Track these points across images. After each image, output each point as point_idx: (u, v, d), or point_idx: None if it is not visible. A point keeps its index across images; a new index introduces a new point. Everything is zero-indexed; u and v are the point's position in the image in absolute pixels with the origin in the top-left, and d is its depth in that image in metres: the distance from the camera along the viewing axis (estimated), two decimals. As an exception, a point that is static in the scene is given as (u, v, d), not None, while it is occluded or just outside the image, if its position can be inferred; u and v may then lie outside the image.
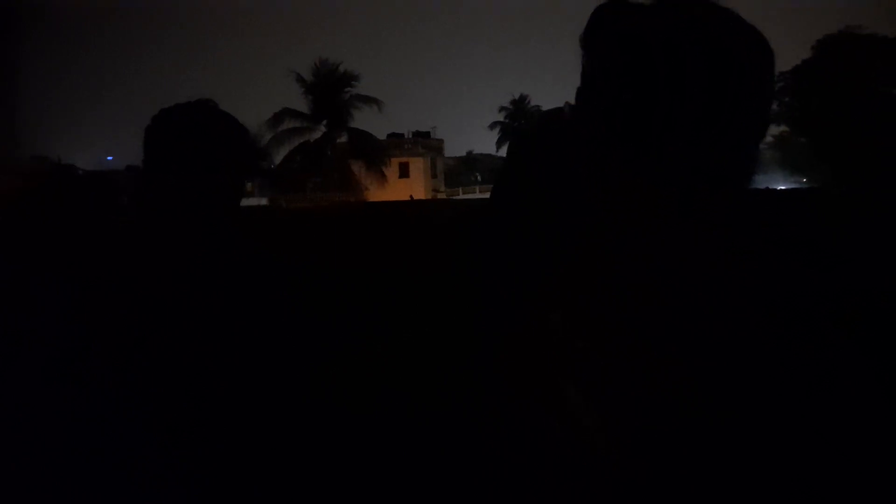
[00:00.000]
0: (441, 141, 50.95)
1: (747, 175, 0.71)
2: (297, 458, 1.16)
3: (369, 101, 37.52)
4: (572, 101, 0.76)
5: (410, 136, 46.94)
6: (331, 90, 36.58)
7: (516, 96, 53.28)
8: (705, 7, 0.69)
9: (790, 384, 0.57)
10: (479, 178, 62.43)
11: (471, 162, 67.13)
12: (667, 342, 0.59)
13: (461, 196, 41.86)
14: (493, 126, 55.18)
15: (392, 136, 45.23)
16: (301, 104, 36.95)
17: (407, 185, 40.56)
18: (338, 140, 37.08)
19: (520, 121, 50.31)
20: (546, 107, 1.36)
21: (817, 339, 0.60)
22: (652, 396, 0.57)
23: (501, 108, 55.22)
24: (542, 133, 0.87)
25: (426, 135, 48.52)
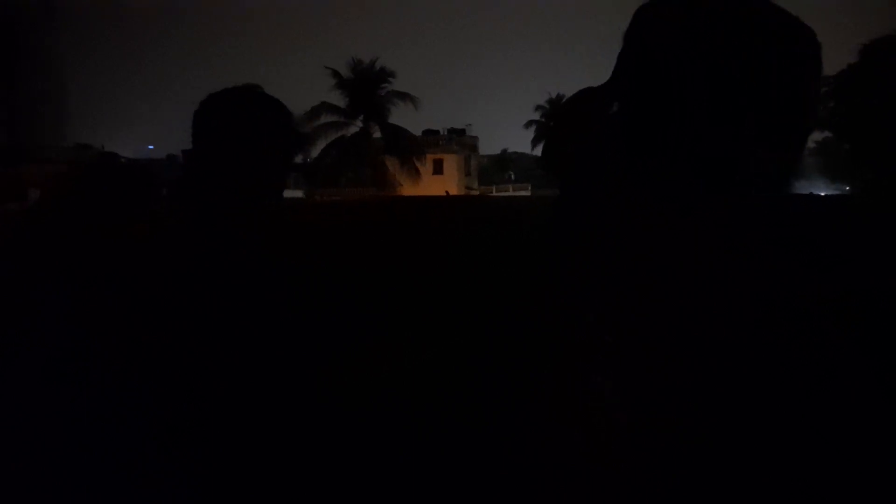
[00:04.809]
0: (476, 138, 50.86)
1: (777, 179, 0.69)
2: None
3: (405, 97, 37.67)
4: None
5: (445, 133, 46.95)
6: (368, 86, 36.76)
7: (553, 95, 52.95)
8: (743, 3, 0.67)
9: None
10: (512, 176, 62.19)
11: (505, 160, 66.90)
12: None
13: (494, 194, 41.76)
14: (528, 125, 54.88)
15: (427, 132, 45.28)
16: (336, 100, 37.25)
17: (441, 182, 40.57)
18: (373, 135, 37.27)
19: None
20: None
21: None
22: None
23: (538, 107, 54.92)
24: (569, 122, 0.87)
25: (461, 132, 48.49)
